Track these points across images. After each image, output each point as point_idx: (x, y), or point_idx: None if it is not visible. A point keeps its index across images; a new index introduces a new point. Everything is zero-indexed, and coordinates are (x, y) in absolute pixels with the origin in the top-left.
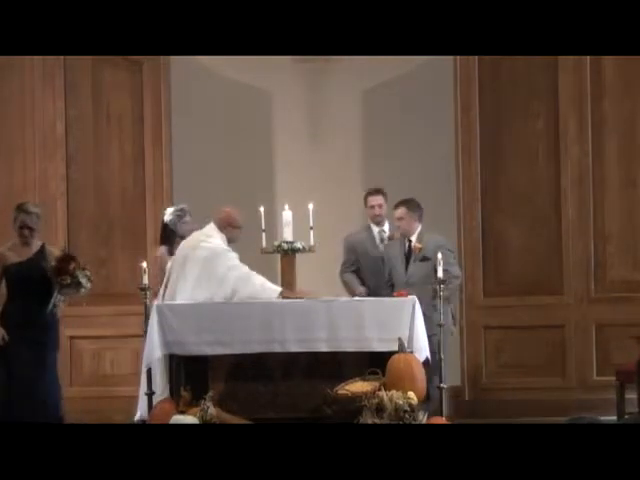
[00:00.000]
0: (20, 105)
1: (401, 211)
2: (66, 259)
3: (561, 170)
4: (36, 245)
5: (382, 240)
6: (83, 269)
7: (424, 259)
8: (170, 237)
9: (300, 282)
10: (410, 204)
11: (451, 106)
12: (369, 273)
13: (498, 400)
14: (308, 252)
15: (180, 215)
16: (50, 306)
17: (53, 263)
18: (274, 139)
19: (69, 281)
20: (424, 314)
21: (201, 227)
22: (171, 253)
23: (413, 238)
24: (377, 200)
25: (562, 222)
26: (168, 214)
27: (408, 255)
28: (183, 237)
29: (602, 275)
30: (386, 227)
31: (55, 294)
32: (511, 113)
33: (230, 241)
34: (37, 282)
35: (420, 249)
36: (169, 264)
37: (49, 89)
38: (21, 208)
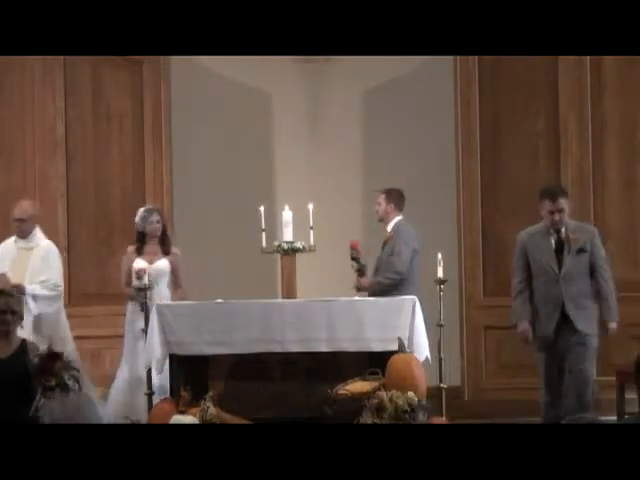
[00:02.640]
0: (20, 105)
1: (564, 201)
2: (51, 357)
3: (561, 170)
4: (16, 340)
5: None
6: (70, 369)
7: (580, 251)
8: (139, 237)
9: (300, 282)
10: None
11: (451, 106)
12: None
13: (498, 400)
14: (308, 252)
15: (145, 216)
16: (32, 410)
17: (36, 360)
18: (274, 139)
19: (53, 383)
20: (584, 308)
21: (171, 228)
22: (140, 253)
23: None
24: (378, 198)
25: None
26: (137, 215)
27: (559, 247)
28: (152, 237)
29: None
30: (389, 227)
31: (38, 397)
32: (511, 113)
33: (17, 235)
34: (17, 384)
35: (576, 240)
36: (137, 262)
37: (49, 89)
38: (2, 291)
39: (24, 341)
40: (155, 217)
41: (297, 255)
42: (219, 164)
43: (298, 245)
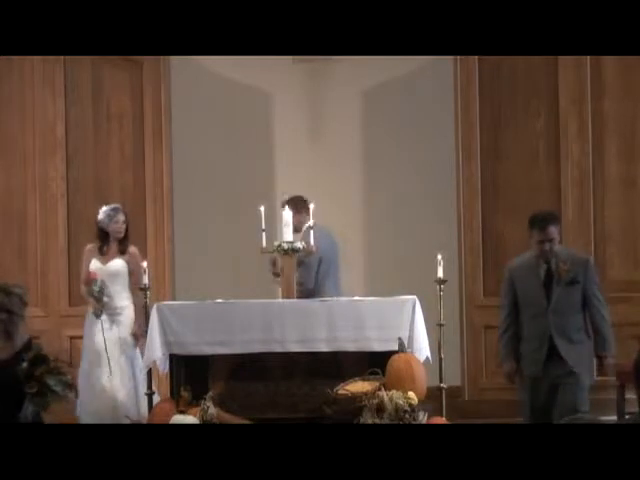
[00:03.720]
0: (20, 105)
1: (554, 229)
2: (34, 361)
3: (561, 170)
4: (20, 340)
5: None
6: (58, 373)
7: (571, 282)
8: (101, 236)
9: None
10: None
11: (451, 106)
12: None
13: (498, 400)
14: (308, 252)
15: (111, 215)
16: (22, 417)
17: (24, 365)
18: (274, 139)
19: (36, 389)
20: (575, 342)
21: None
22: (102, 253)
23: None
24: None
25: (562, 222)
26: (101, 213)
27: (548, 278)
28: (115, 237)
29: (602, 275)
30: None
31: (25, 404)
32: (511, 113)
33: None
34: (12, 387)
35: (567, 271)
36: (92, 262)
37: (49, 89)
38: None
39: (29, 342)
40: (121, 217)
41: (297, 255)
42: (219, 164)
43: (298, 245)
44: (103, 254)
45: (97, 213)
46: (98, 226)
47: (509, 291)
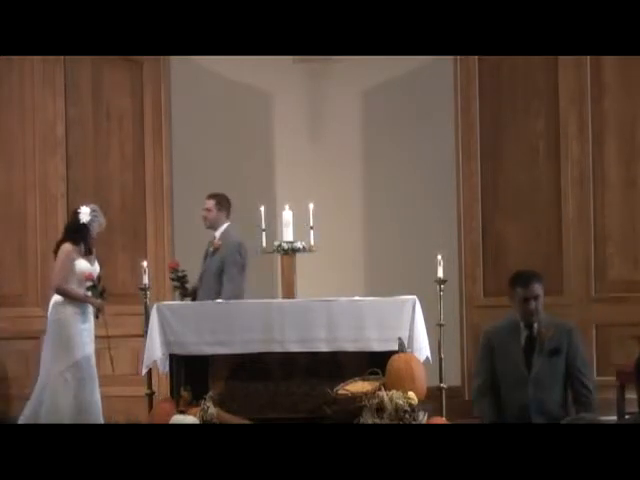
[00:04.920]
0: (20, 105)
1: (538, 286)
2: None
3: (561, 170)
4: None
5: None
6: None
7: (554, 352)
8: (85, 236)
9: (300, 282)
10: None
11: (451, 106)
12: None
13: None
14: (308, 252)
15: (96, 215)
16: None
17: None
18: (274, 139)
19: None
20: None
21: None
22: (91, 253)
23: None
24: (206, 204)
25: (562, 222)
26: (86, 214)
27: (529, 346)
28: (94, 237)
29: (602, 275)
30: (217, 233)
31: None
32: (511, 113)
33: None
34: None
35: (550, 338)
36: (78, 261)
37: (49, 89)
38: None
39: None
40: (103, 219)
41: (297, 255)
42: (219, 164)
43: (298, 245)
44: (90, 254)
45: (77, 213)
46: (82, 227)
47: (485, 359)
